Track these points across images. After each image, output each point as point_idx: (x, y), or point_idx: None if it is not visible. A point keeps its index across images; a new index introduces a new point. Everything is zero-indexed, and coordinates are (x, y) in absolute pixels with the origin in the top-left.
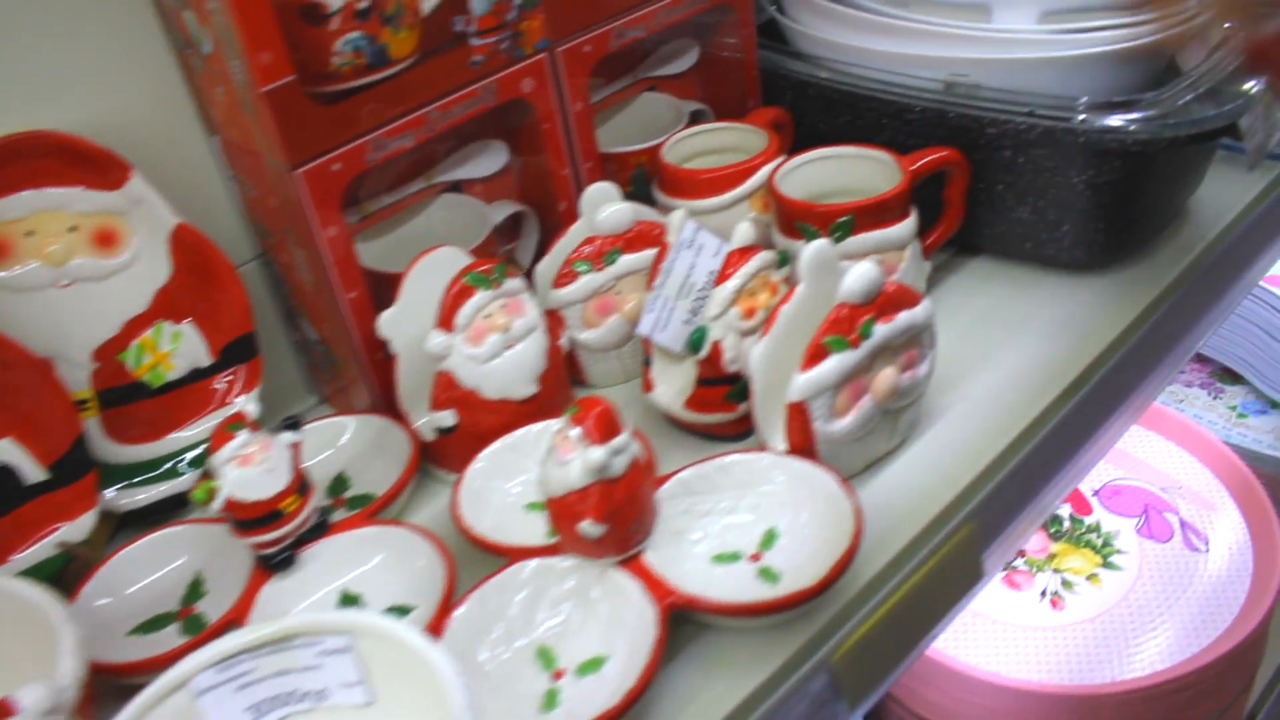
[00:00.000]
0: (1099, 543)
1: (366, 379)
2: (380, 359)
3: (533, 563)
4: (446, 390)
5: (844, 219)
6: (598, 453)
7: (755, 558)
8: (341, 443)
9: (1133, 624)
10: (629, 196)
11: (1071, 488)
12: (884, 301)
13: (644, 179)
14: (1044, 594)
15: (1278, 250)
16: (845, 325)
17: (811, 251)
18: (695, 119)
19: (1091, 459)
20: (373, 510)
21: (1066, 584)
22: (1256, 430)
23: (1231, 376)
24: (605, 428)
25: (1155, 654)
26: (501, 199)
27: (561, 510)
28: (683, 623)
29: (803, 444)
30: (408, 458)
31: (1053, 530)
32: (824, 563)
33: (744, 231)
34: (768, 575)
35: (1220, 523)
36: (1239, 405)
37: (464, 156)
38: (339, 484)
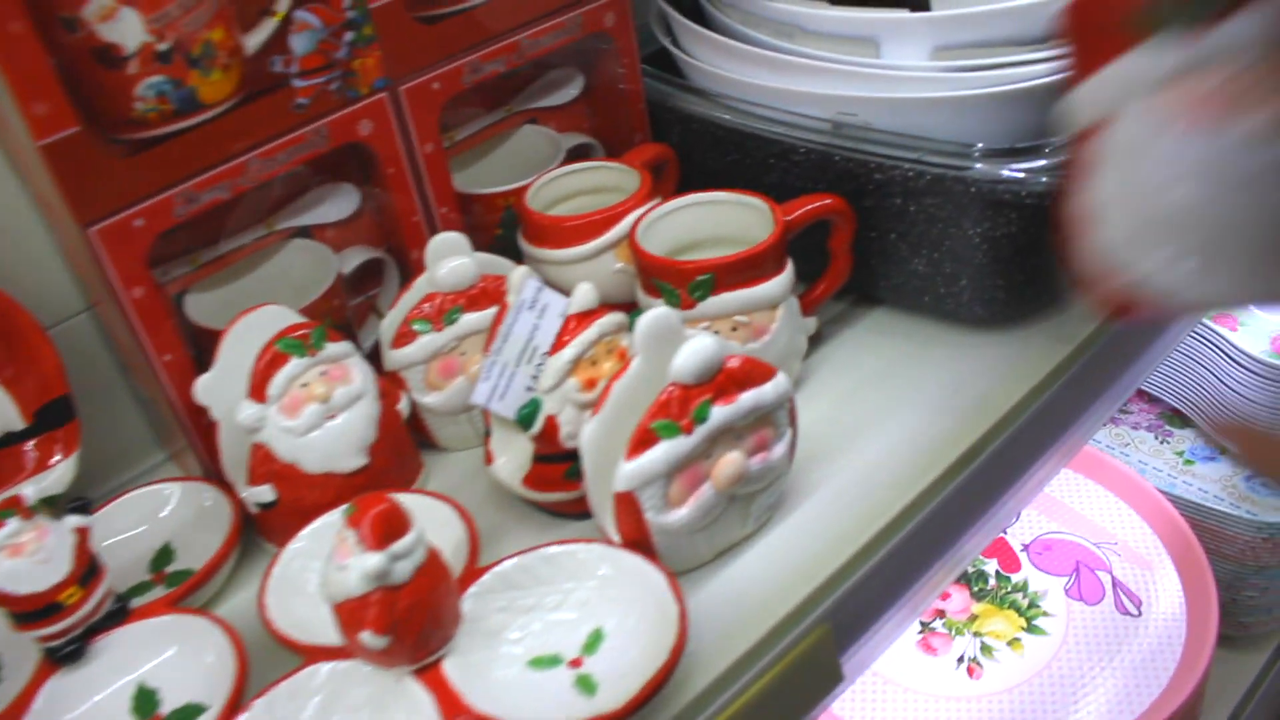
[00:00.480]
0: (1024, 603)
1: (193, 445)
2: (206, 423)
3: (327, 667)
4: (264, 464)
5: (703, 277)
6: (374, 560)
7: (576, 663)
8: (164, 513)
9: (1055, 696)
10: (496, 241)
11: (955, 574)
12: (725, 379)
13: (514, 222)
14: (961, 660)
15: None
16: (677, 408)
17: (646, 322)
18: (581, 154)
19: (978, 542)
20: (186, 590)
21: (986, 649)
22: (1202, 479)
23: (1181, 419)
24: (384, 531)
25: None
26: (357, 244)
27: (343, 618)
28: None
29: (635, 535)
30: (229, 532)
31: (976, 589)
32: (646, 674)
33: (584, 293)
34: (585, 685)
35: (1156, 584)
36: (1186, 450)
37: (311, 200)
38: (162, 557)
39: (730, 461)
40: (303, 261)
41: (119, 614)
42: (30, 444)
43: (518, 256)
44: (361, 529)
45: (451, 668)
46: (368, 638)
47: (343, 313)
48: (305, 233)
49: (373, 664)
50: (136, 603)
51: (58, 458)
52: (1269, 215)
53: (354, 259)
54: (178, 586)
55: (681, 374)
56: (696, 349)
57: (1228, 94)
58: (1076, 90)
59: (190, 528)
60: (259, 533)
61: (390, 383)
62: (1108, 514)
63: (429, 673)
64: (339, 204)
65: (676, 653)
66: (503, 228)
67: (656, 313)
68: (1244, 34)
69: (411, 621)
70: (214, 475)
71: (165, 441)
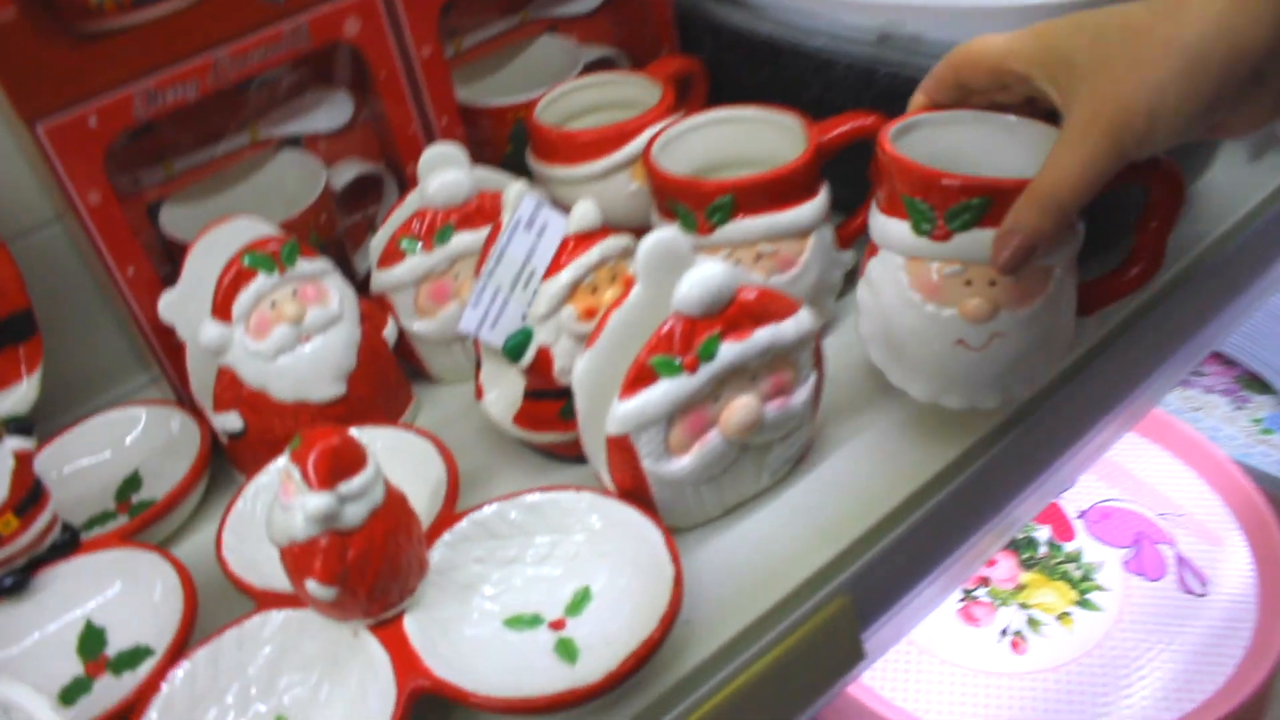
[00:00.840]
0: (1078, 575)
1: (163, 367)
2: (176, 344)
3: (280, 615)
4: (230, 389)
5: (723, 198)
6: (318, 501)
7: (558, 624)
8: (130, 439)
9: (1105, 677)
10: (506, 160)
11: (1000, 544)
12: (737, 312)
13: (524, 138)
14: (1004, 632)
15: None
16: (680, 343)
17: (650, 244)
18: (602, 67)
19: (1028, 509)
20: (145, 521)
21: (1033, 623)
22: None
23: (1260, 384)
24: (331, 468)
25: (1130, 716)
26: (351, 157)
27: (290, 564)
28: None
29: (630, 484)
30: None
31: (1025, 557)
32: (632, 643)
33: (585, 211)
34: (565, 651)
35: (1225, 561)
36: (1265, 419)
37: (300, 108)
38: (130, 485)
39: (741, 406)
40: (293, 175)
41: (67, 545)
42: None
43: (526, 176)
44: (306, 466)
45: (413, 624)
46: (314, 587)
47: (332, 230)
48: (296, 144)
49: (325, 615)
50: (99, 534)
51: (20, 375)
52: (936, 354)
53: (347, 173)
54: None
55: (686, 304)
56: (703, 275)
57: (945, 283)
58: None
59: (160, 455)
60: (230, 464)
61: (377, 307)
62: (1174, 483)
63: (388, 628)
64: (331, 112)
65: (668, 620)
66: (513, 144)
67: (661, 234)
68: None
69: (364, 570)
70: (186, 400)
71: (148, 364)
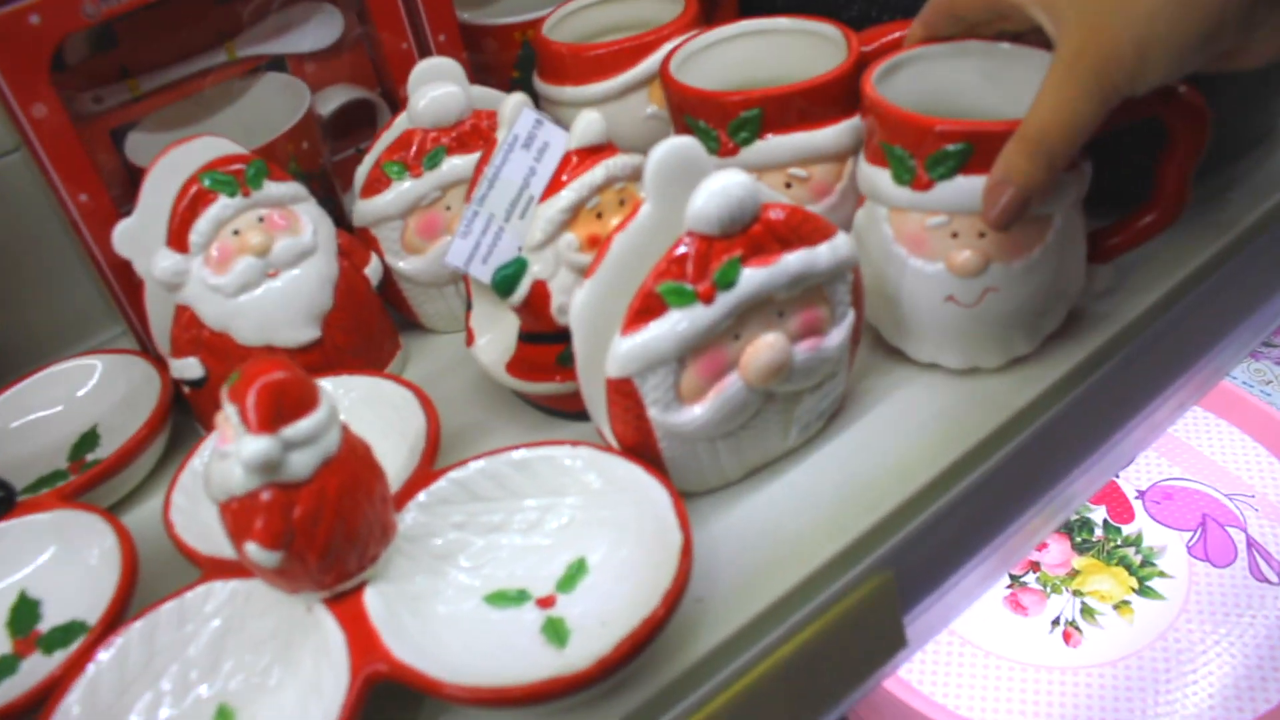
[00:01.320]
0: (1137, 561)
1: (122, 309)
2: (135, 282)
3: (228, 587)
4: (188, 330)
5: (749, 113)
6: (257, 445)
7: (546, 602)
8: (84, 392)
9: (1168, 672)
10: (512, 86)
11: (1055, 523)
12: (761, 234)
13: (532, 62)
14: (1056, 622)
15: None
16: (695, 267)
17: (661, 154)
18: None
19: (1086, 485)
20: (91, 479)
21: (1087, 612)
22: None
23: None
24: (274, 408)
25: (1195, 716)
26: (340, 83)
27: (229, 521)
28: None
29: (635, 438)
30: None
31: (1079, 540)
32: (628, 625)
33: (588, 125)
34: (554, 632)
35: None
36: None
37: (282, 24)
38: (86, 442)
39: (767, 346)
40: (275, 101)
41: (1, 505)
42: None
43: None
44: (245, 404)
45: (376, 598)
46: (254, 550)
47: (315, 162)
48: (280, 66)
49: (272, 586)
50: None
51: None
52: (928, 309)
53: (335, 98)
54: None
55: (701, 220)
56: (722, 185)
57: (928, 235)
58: None
59: (120, 410)
60: (195, 419)
61: (359, 242)
62: (1244, 461)
63: (345, 602)
64: (318, 30)
65: (672, 596)
66: (519, 69)
67: (673, 142)
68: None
69: (313, 532)
70: (150, 348)
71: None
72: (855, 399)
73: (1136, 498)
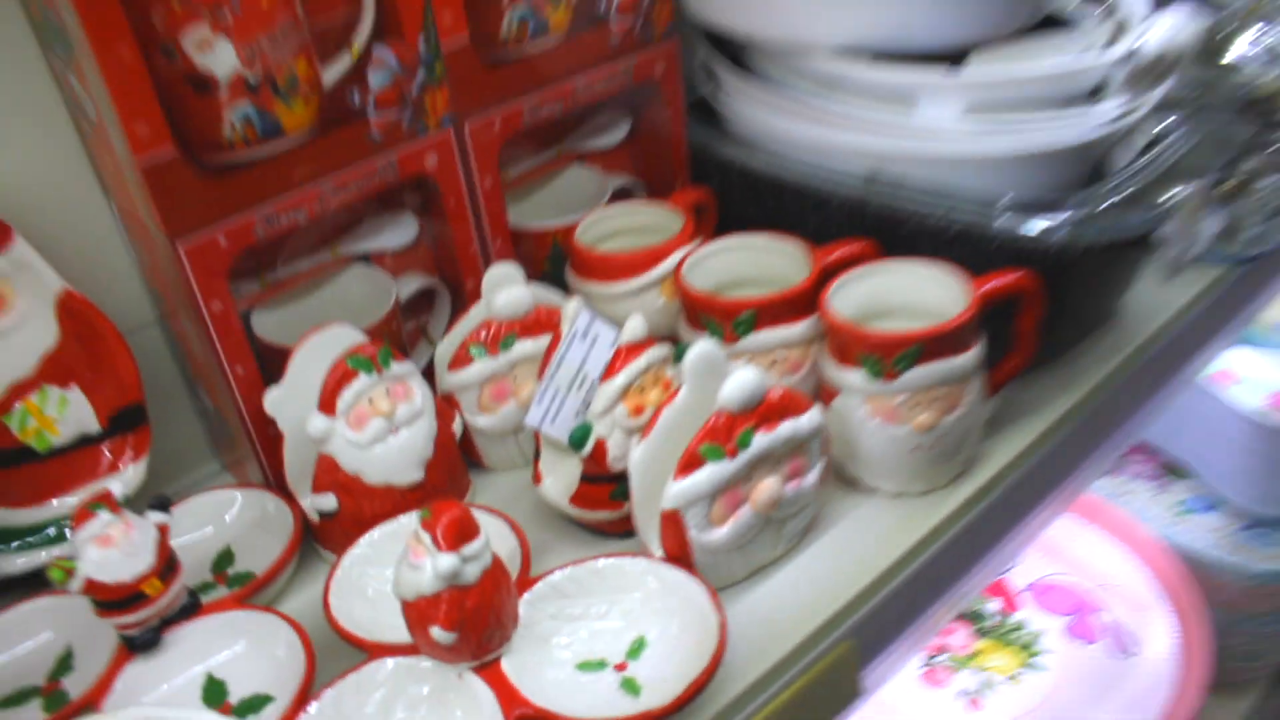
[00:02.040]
0: (1024, 641)
1: (256, 455)
2: (271, 434)
3: (391, 662)
4: (329, 473)
5: (746, 314)
6: (447, 560)
7: (621, 667)
8: (228, 518)
9: None
10: (545, 275)
11: (962, 604)
12: (766, 409)
13: (561, 257)
14: (963, 693)
15: (1209, 351)
16: (722, 434)
17: (695, 354)
18: (623, 195)
19: (983, 579)
20: (250, 590)
21: (987, 684)
22: (1198, 529)
23: (1180, 470)
24: (457, 534)
25: None
26: (412, 271)
27: (414, 614)
28: None
29: (678, 551)
30: (291, 538)
31: (978, 627)
32: (688, 677)
33: (634, 326)
34: (630, 687)
35: (1150, 626)
36: (1186, 501)
37: (373, 228)
38: (223, 560)
39: (768, 486)
40: (361, 286)
41: (191, 608)
42: (104, 446)
43: (563, 289)
44: (436, 531)
45: (509, 666)
46: (437, 633)
47: (399, 336)
48: (365, 259)
49: (437, 659)
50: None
51: (128, 461)
52: (898, 457)
53: (411, 285)
54: (241, 586)
55: (729, 402)
56: (744, 380)
57: (898, 409)
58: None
59: (251, 533)
60: (315, 540)
61: (445, 404)
62: (1107, 558)
63: (488, 670)
64: (399, 233)
65: (717, 658)
66: (550, 263)
67: (704, 346)
68: (918, 379)
69: (478, 619)
70: (272, 484)
71: (222, 451)
72: (824, 517)
73: (1024, 590)
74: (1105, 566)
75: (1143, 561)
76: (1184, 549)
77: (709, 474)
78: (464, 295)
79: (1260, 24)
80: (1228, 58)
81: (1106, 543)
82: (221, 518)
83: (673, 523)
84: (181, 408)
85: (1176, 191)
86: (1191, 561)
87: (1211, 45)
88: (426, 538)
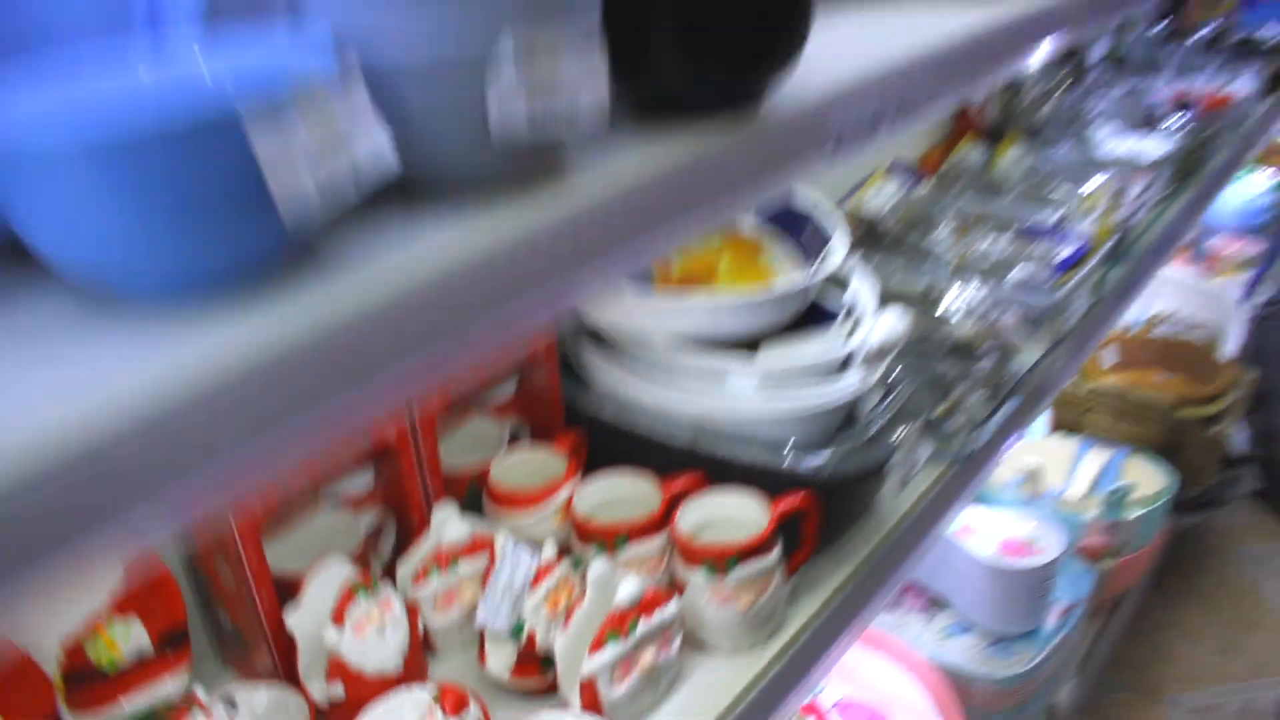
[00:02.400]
0: None
1: (272, 657)
2: (282, 639)
3: None
4: (338, 669)
5: (620, 536)
6: None
7: None
8: (261, 708)
9: None
10: (466, 503)
11: (791, 716)
12: (645, 604)
13: (477, 490)
14: None
15: (948, 517)
16: (619, 624)
17: (596, 572)
18: (514, 436)
19: (799, 699)
20: None
21: None
22: (958, 648)
23: (940, 603)
24: (457, 703)
25: None
26: (368, 506)
27: None
28: None
29: (592, 704)
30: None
31: None
32: None
33: (548, 550)
34: None
35: None
36: (948, 626)
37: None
38: None
39: (649, 654)
40: (332, 523)
41: None
42: (156, 661)
43: (480, 514)
44: (445, 703)
45: None
46: None
47: (368, 559)
48: (334, 500)
49: None
50: None
51: (173, 672)
52: (731, 626)
53: (368, 518)
54: None
55: (625, 603)
56: (633, 588)
57: (729, 594)
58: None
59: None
60: None
61: (413, 610)
62: (891, 678)
63: None
64: (360, 480)
65: None
66: (469, 495)
67: (600, 566)
68: (740, 574)
69: None
70: (281, 677)
71: (226, 656)
72: (684, 671)
73: (831, 708)
74: (890, 685)
75: (917, 678)
76: (948, 665)
77: (612, 651)
78: (410, 520)
79: (958, 283)
80: (939, 310)
81: (890, 665)
82: (255, 709)
83: (589, 686)
84: (191, 618)
85: (901, 430)
86: (953, 674)
87: (926, 301)
88: (439, 712)
